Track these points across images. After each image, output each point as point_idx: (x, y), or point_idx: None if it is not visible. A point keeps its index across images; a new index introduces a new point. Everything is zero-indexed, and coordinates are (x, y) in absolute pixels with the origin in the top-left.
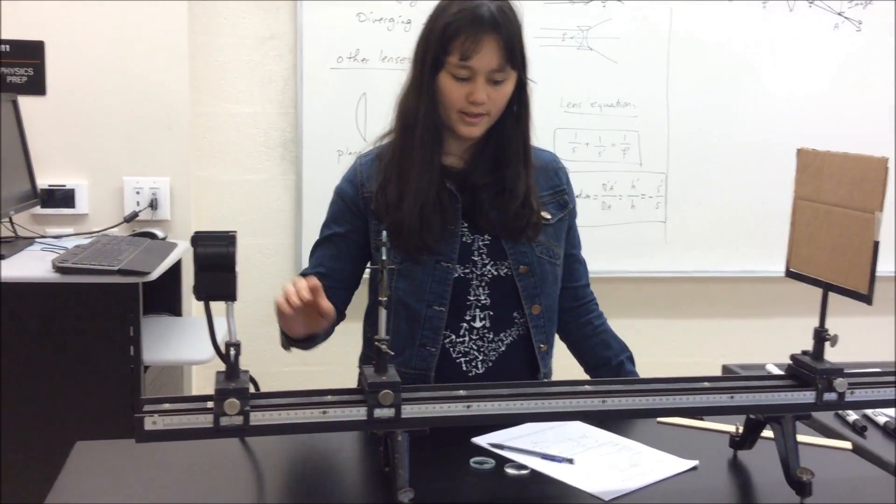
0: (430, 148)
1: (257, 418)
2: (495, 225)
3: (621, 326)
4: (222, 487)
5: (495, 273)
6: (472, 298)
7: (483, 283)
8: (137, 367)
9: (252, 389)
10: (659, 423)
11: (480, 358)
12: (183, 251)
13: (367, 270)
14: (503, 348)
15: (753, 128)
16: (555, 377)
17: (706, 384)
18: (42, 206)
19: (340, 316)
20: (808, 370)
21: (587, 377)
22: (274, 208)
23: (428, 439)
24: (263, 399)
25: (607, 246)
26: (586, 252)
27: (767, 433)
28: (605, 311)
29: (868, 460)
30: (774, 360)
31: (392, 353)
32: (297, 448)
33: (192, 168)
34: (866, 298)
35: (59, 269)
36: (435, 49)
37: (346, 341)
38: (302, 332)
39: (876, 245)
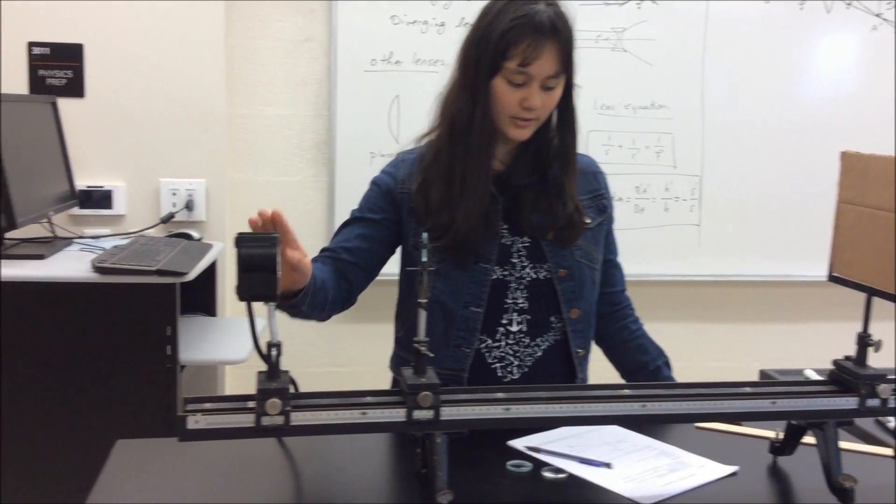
0: (486, 153)
1: (298, 418)
2: (536, 227)
3: (654, 330)
4: (260, 487)
5: (534, 276)
6: (509, 301)
7: (521, 286)
8: (174, 367)
9: (292, 390)
10: (696, 427)
11: (516, 363)
12: (218, 252)
13: (398, 269)
14: (539, 353)
15: (790, 130)
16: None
17: (748, 389)
18: (80, 207)
19: (349, 300)
20: (851, 375)
21: (621, 381)
22: (307, 210)
23: (464, 442)
24: (303, 399)
25: (640, 249)
26: (619, 255)
27: (806, 439)
28: (638, 315)
29: None
30: (811, 365)
31: (431, 356)
32: (332, 449)
33: (228, 170)
34: None
35: (99, 269)
36: (493, 54)
37: (376, 343)
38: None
39: None
